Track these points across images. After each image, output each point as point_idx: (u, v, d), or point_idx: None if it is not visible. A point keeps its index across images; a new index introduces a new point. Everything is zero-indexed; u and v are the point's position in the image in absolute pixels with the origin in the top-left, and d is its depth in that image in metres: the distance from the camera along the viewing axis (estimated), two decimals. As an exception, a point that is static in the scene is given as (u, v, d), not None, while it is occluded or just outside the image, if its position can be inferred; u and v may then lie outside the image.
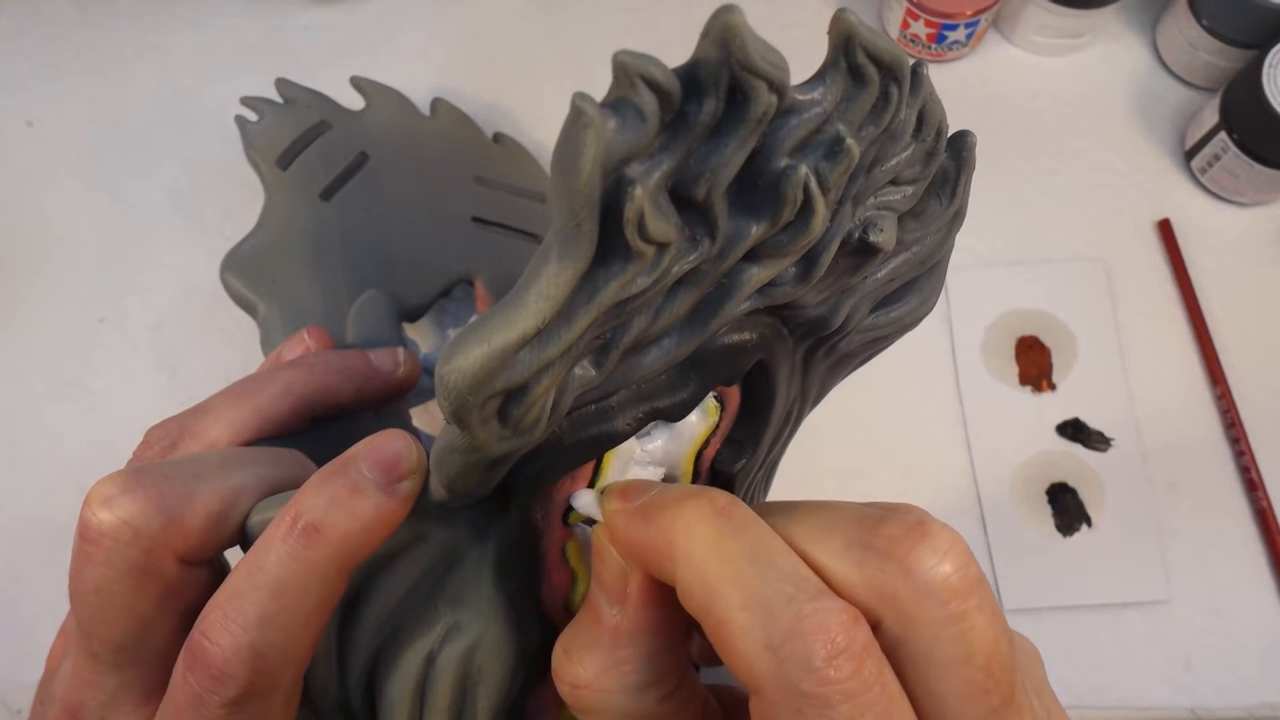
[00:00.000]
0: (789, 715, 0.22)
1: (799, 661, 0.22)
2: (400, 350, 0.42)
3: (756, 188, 0.22)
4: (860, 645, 0.22)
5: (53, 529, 0.57)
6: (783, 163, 0.21)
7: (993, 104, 0.68)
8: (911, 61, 0.23)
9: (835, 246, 0.24)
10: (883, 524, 0.24)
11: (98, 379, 0.61)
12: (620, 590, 0.26)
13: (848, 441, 0.60)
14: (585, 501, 0.28)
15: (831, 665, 0.21)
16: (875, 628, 0.23)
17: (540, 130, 0.66)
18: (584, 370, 0.23)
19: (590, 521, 0.31)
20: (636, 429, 0.27)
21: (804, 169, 0.21)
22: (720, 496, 0.25)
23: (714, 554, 0.23)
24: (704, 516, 0.24)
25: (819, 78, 0.21)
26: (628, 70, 0.18)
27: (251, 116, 0.55)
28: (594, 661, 0.26)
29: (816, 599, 0.22)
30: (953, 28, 0.64)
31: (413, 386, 0.42)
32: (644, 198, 0.19)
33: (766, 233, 0.22)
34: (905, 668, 0.23)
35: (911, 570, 0.23)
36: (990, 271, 0.63)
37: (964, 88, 0.68)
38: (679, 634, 0.26)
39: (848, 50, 0.21)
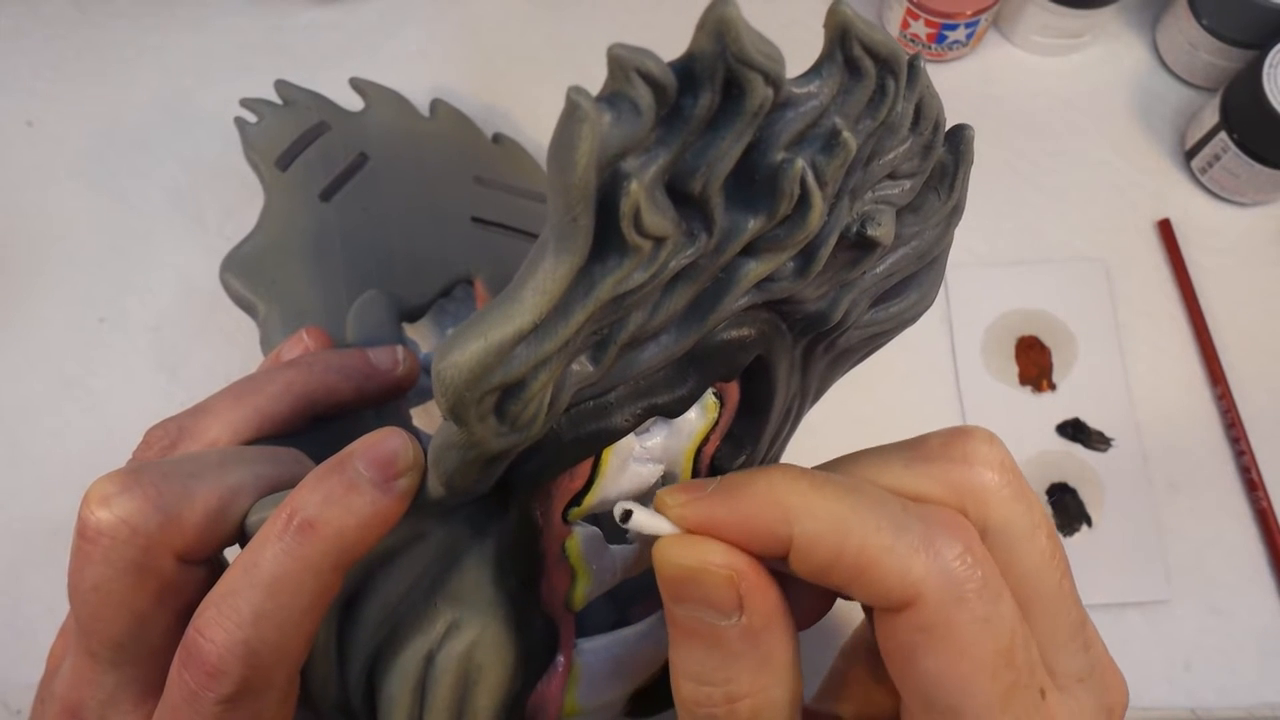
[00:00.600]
0: (951, 608, 0.24)
1: (948, 557, 0.24)
2: (399, 349, 0.42)
3: (753, 181, 0.22)
4: (976, 535, 0.25)
5: (53, 529, 0.57)
6: (779, 156, 0.21)
7: (993, 104, 0.68)
8: (908, 55, 0.23)
9: (833, 241, 0.24)
10: (927, 441, 0.27)
11: (98, 379, 0.61)
12: (731, 596, 0.25)
13: (848, 441, 0.59)
14: (643, 519, 0.26)
15: (968, 555, 0.24)
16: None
17: (540, 130, 0.66)
18: (581, 366, 0.23)
19: (592, 520, 0.31)
20: (635, 425, 0.26)
21: (801, 162, 0.21)
22: (791, 466, 0.26)
23: (825, 499, 0.25)
24: (790, 476, 0.25)
25: (815, 71, 0.21)
26: (623, 64, 0.18)
27: (251, 118, 0.55)
28: (742, 671, 0.26)
29: (922, 508, 0.25)
30: (953, 28, 0.64)
31: (412, 385, 0.42)
32: (640, 192, 0.19)
33: (764, 227, 0.22)
34: (992, 549, 0.25)
35: (974, 462, 0.26)
36: (990, 271, 0.63)
37: (964, 88, 0.68)
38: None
39: (844, 43, 0.21)
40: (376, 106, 0.57)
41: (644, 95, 0.18)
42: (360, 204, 0.53)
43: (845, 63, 0.21)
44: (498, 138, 0.61)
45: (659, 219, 0.20)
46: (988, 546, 0.25)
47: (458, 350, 0.20)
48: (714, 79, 0.19)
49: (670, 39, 0.68)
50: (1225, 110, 0.61)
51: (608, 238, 0.19)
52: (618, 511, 0.26)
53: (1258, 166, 0.60)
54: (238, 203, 0.64)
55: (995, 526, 0.26)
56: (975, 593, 0.24)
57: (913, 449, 0.27)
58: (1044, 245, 0.64)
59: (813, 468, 0.27)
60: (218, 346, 0.62)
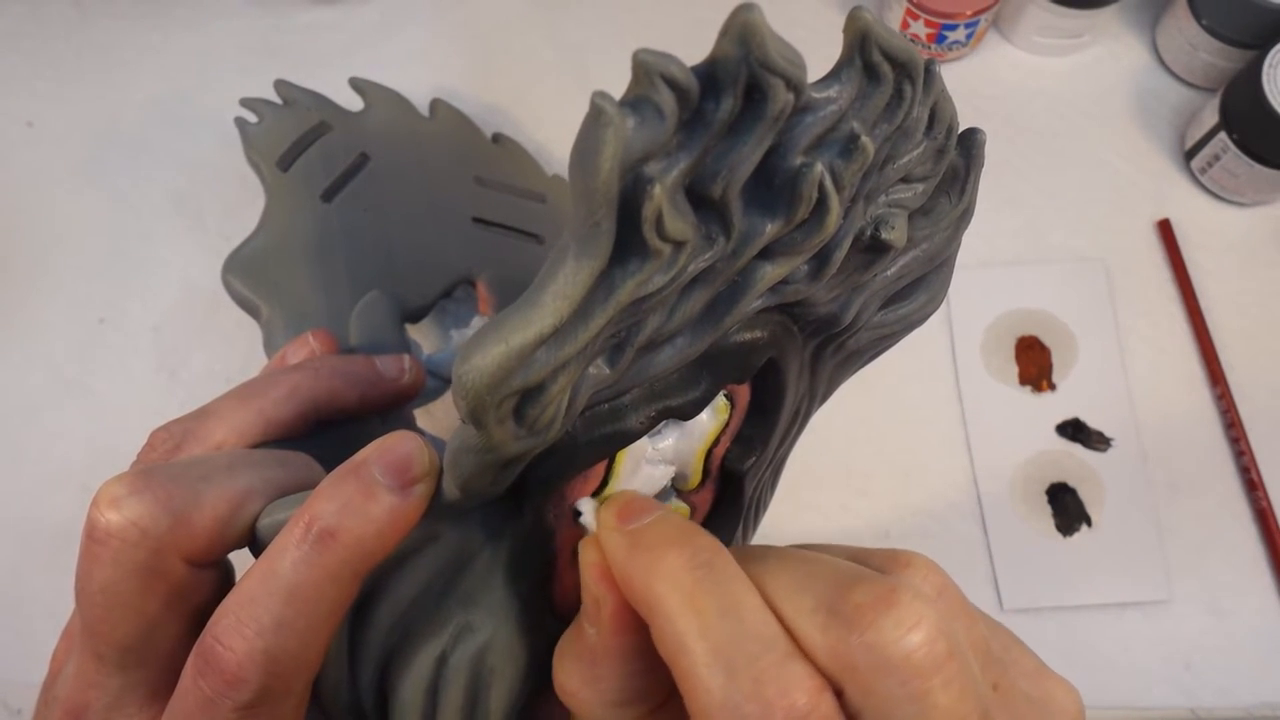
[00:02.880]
0: None
1: None
2: (406, 358, 0.42)
3: (772, 185, 0.22)
4: (821, 714, 0.22)
5: (54, 530, 0.57)
6: (798, 161, 0.21)
7: (993, 104, 0.68)
8: (924, 60, 0.23)
9: (848, 244, 0.24)
10: (854, 588, 0.23)
11: (98, 379, 0.61)
12: (595, 612, 0.26)
13: (848, 441, 0.60)
14: (586, 509, 0.28)
15: None
16: (839, 695, 0.22)
17: (540, 130, 0.66)
18: (598, 369, 0.23)
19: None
20: (649, 428, 0.26)
21: (819, 167, 0.21)
22: (706, 545, 0.25)
23: (687, 606, 0.23)
24: (684, 567, 0.24)
25: (834, 76, 0.21)
26: (648, 69, 0.18)
27: (251, 118, 0.54)
28: (575, 673, 0.26)
29: (783, 662, 0.22)
30: (953, 28, 0.64)
31: (417, 394, 0.42)
32: (662, 196, 0.19)
33: (781, 230, 0.22)
34: None
35: (872, 644, 0.22)
36: (990, 271, 0.63)
37: (964, 88, 0.68)
38: (658, 658, 0.25)
39: (864, 48, 0.21)
40: (377, 106, 0.57)
41: (667, 100, 0.18)
42: (361, 205, 0.53)
43: (864, 68, 0.22)
44: (498, 138, 0.61)
45: (680, 223, 0.20)
46: None
47: (479, 354, 0.20)
48: (736, 84, 0.19)
49: (671, 39, 0.68)
50: (1225, 110, 0.61)
51: (628, 241, 0.19)
52: (575, 508, 0.28)
53: (1258, 166, 0.60)
54: (238, 203, 0.64)
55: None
56: None
57: (840, 591, 0.23)
58: (1044, 245, 0.64)
59: (762, 548, 0.26)
60: (218, 347, 0.62)
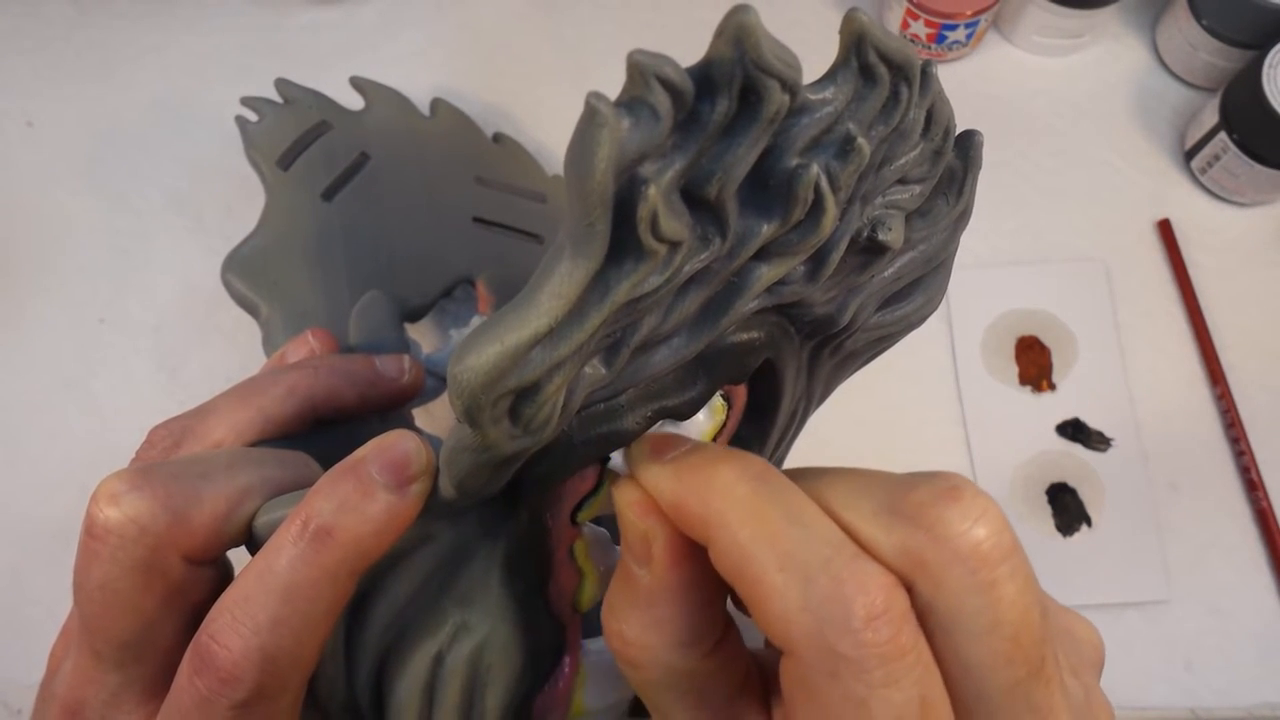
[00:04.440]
0: (823, 678, 0.22)
1: (837, 623, 0.21)
2: (406, 358, 0.42)
3: (767, 187, 0.22)
4: (898, 610, 0.22)
5: (53, 529, 0.57)
6: (794, 162, 0.21)
7: (993, 104, 0.68)
8: (921, 61, 0.23)
9: (844, 245, 0.24)
10: (914, 489, 0.23)
11: (98, 379, 0.61)
12: (645, 552, 0.26)
13: (848, 441, 0.60)
14: (617, 460, 0.28)
15: (869, 628, 0.21)
16: (908, 592, 0.23)
17: (540, 130, 0.66)
18: (594, 369, 0.23)
19: (597, 522, 0.31)
20: (645, 428, 0.26)
21: (815, 168, 0.21)
22: (756, 460, 0.25)
23: (751, 516, 0.23)
24: (740, 479, 0.24)
25: (830, 77, 0.21)
26: (643, 70, 0.18)
27: (252, 117, 0.55)
28: (634, 620, 0.26)
29: (854, 561, 0.22)
30: (952, 28, 0.64)
31: (417, 394, 0.42)
32: (657, 197, 0.19)
33: (777, 232, 0.22)
34: (934, 633, 0.23)
35: (940, 536, 0.22)
36: (990, 271, 0.63)
37: (964, 88, 0.68)
38: (713, 591, 0.26)
39: (859, 50, 0.21)
40: (377, 106, 0.57)
41: (663, 101, 0.18)
42: (362, 204, 0.53)
43: (860, 69, 0.21)
44: (498, 137, 0.61)
45: (675, 224, 0.20)
46: (928, 629, 0.23)
47: (474, 354, 0.20)
48: (732, 85, 0.19)
49: (671, 39, 0.68)
50: (1225, 110, 0.61)
51: (624, 242, 0.19)
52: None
53: (1257, 166, 0.60)
54: (238, 203, 0.64)
55: (942, 612, 0.22)
56: (853, 673, 0.21)
57: (898, 493, 0.24)
58: (1044, 245, 0.64)
59: (806, 468, 0.26)
60: (218, 346, 0.62)
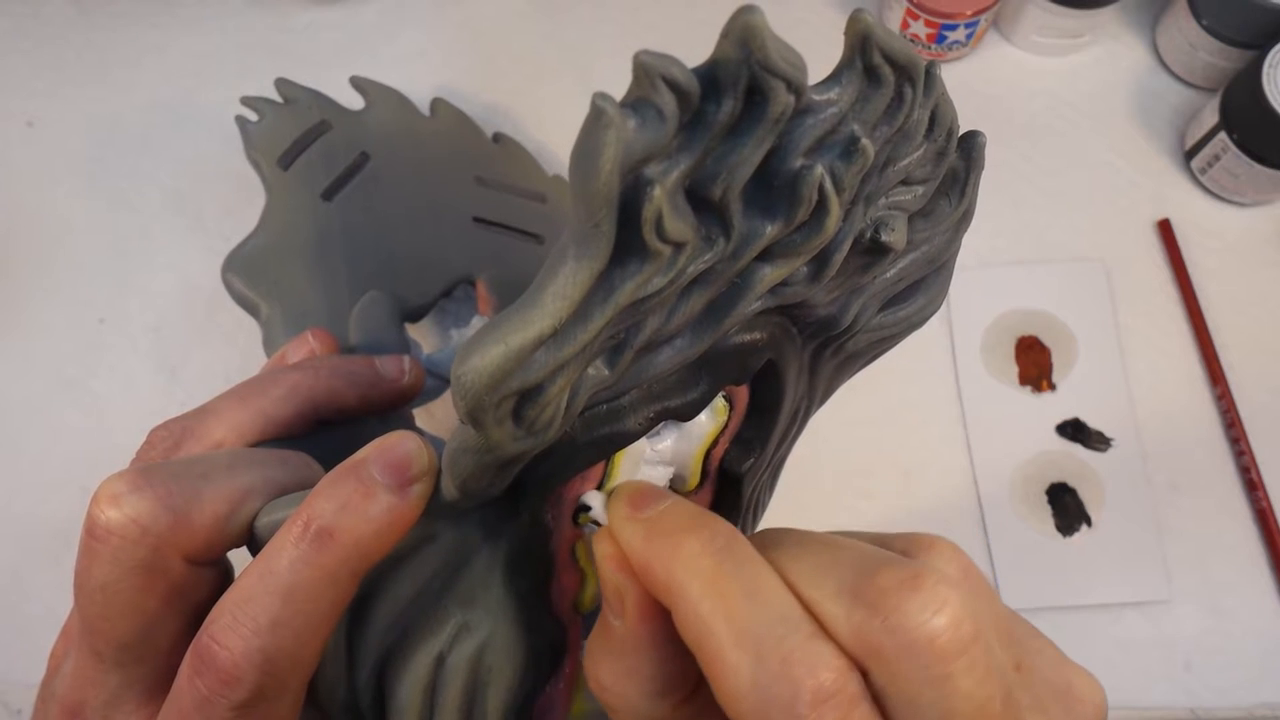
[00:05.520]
0: None
1: (784, 703, 0.21)
2: (406, 359, 0.42)
3: (772, 188, 0.22)
4: (848, 694, 0.22)
5: (53, 529, 0.57)
6: (798, 163, 0.21)
7: (993, 104, 0.68)
8: (925, 62, 0.23)
9: (847, 246, 0.24)
10: (878, 571, 0.23)
11: (98, 380, 0.61)
12: (619, 604, 0.26)
13: (848, 441, 0.60)
14: (595, 502, 0.28)
15: (815, 712, 0.21)
16: (864, 676, 0.22)
17: (540, 130, 0.66)
18: (597, 370, 0.23)
19: (599, 524, 0.31)
20: (648, 429, 0.26)
21: (820, 169, 0.21)
22: (723, 530, 0.25)
23: (711, 589, 0.23)
24: (705, 550, 0.24)
25: (835, 78, 0.21)
26: (648, 70, 0.18)
27: (252, 117, 0.54)
28: (608, 668, 0.26)
29: (809, 643, 0.22)
30: (952, 28, 0.64)
31: (417, 395, 0.42)
32: (662, 198, 0.19)
33: (781, 232, 0.22)
34: (891, 717, 0.22)
35: (895, 625, 0.22)
36: (990, 271, 0.63)
37: (964, 88, 0.68)
38: (684, 645, 0.25)
39: (864, 51, 0.21)
40: (377, 105, 0.57)
41: (668, 102, 0.18)
42: (362, 204, 0.53)
43: (865, 70, 0.21)
44: (498, 137, 0.61)
45: (680, 225, 0.20)
46: (885, 712, 0.22)
47: (477, 355, 0.20)
48: (737, 86, 0.19)
49: (671, 39, 0.68)
50: (1225, 110, 0.61)
51: (628, 243, 0.19)
52: (584, 503, 0.28)
53: (1257, 166, 0.60)
54: (238, 203, 0.63)
55: (896, 700, 0.22)
56: None
57: (863, 575, 0.23)
58: (1044, 245, 0.64)
59: (778, 531, 0.26)
60: (218, 347, 0.62)
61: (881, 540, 0.26)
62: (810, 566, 0.24)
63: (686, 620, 0.23)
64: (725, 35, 0.19)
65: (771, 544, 0.25)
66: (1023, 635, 0.26)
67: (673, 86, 0.18)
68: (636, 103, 0.18)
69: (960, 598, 0.22)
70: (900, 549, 0.25)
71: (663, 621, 0.25)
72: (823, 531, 0.27)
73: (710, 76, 0.19)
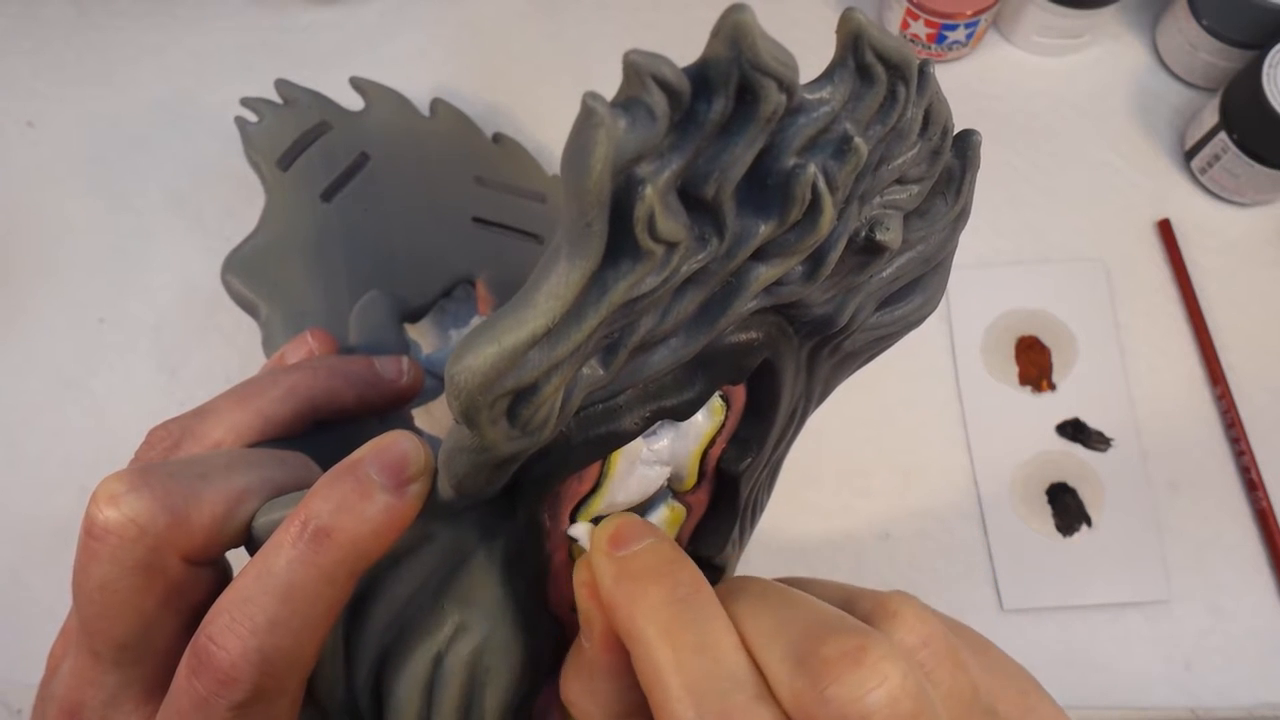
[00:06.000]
0: None
1: None
2: (405, 359, 0.42)
3: (765, 187, 0.22)
4: None
5: (53, 529, 0.57)
6: (791, 162, 0.21)
7: (993, 104, 0.68)
8: (918, 60, 0.23)
9: (842, 245, 0.24)
10: (826, 639, 0.23)
11: (98, 379, 0.61)
12: (587, 629, 0.27)
13: (848, 441, 0.60)
14: (580, 534, 0.29)
15: None
16: None
17: (540, 130, 0.66)
18: (592, 370, 0.23)
19: (596, 522, 0.31)
20: (644, 428, 0.26)
21: (812, 168, 0.21)
22: (687, 579, 0.25)
23: (666, 640, 0.24)
24: (666, 601, 0.25)
25: (827, 77, 0.21)
26: (639, 70, 0.18)
27: (251, 117, 0.55)
28: (576, 686, 0.27)
29: (750, 704, 0.23)
30: (952, 28, 0.64)
31: (416, 395, 0.42)
32: (654, 197, 0.19)
33: (774, 232, 0.22)
34: None
35: (831, 698, 0.22)
36: (990, 271, 0.63)
37: (964, 88, 0.68)
38: None
39: (856, 49, 0.21)
40: (377, 106, 0.57)
41: (659, 101, 0.18)
42: (361, 204, 0.53)
43: (857, 69, 0.21)
44: (498, 137, 0.61)
45: (672, 224, 0.20)
46: None
47: (471, 354, 0.20)
48: (728, 85, 0.19)
49: (671, 39, 0.68)
50: (1225, 110, 0.61)
51: (621, 242, 0.19)
52: (569, 534, 0.29)
53: (1257, 166, 0.60)
54: (238, 203, 0.64)
55: None
56: None
57: (811, 641, 0.23)
58: (1044, 245, 0.64)
59: (748, 582, 0.27)
60: (218, 347, 0.62)
61: (852, 596, 0.26)
62: (766, 624, 0.24)
63: (640, 664, 0.24)
64: (715, 34, 0.19)
65: (735, 594, 0.26)
66: (1010, 700, 0.26)
67: (663, 86, 0.18)
68: (627, 102, 0.18)
69: (902, 674, 0.22)
70: (865, 610, 0.25)
71: (625, 654, 0.26)
72: (796, 579, 0.28)
73: (701, 75, 0.19)
